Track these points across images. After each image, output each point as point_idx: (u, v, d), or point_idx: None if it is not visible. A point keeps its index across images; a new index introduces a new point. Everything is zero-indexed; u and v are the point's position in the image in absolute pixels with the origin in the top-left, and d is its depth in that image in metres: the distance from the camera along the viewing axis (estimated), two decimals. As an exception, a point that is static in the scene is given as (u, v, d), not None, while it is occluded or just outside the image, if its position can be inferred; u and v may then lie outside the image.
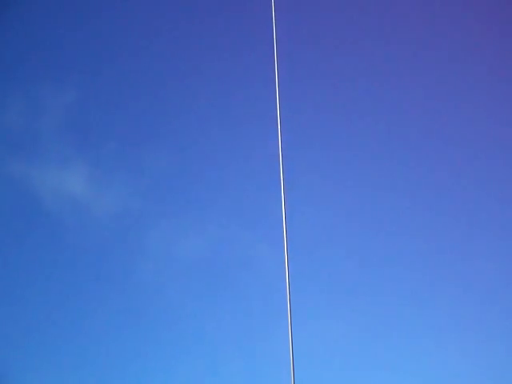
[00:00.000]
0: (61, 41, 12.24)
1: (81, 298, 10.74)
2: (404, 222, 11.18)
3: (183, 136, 11.87)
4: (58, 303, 10.70)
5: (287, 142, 7.50)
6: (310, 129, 11.71)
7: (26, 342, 10.36)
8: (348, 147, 11.69)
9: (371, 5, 11.98)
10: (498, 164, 11.43)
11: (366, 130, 11.74)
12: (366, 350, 10.22)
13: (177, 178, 11.70)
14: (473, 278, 10.65)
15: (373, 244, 11.05)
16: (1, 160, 11.28)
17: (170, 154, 11.78)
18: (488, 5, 11.70)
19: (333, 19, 12.12)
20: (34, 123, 11.53)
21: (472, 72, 11.73)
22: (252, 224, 11.23)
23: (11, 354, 10.21)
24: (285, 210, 7.15)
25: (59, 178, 11.23)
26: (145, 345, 10.46)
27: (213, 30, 12.19)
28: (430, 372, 9.94)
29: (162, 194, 11.52)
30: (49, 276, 10.90)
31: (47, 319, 10.58)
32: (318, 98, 11.88)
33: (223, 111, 11.95)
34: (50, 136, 11.44)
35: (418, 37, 11.92)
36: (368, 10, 11.96)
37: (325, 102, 11.89)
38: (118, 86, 12.17)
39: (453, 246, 10.94)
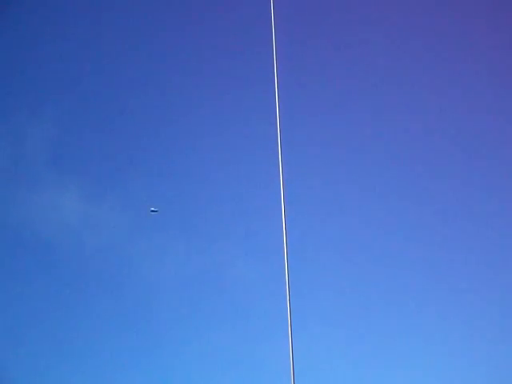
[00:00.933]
0: (43, 68, 12.05)
1: (74, 311, 10.57)
2: (405, 225, 11.07)
3: (178, 143, 11.72)
4: (52, 318, 10.53)
5: (287, 145, 7.36)
6: (309, 131, 11.59)
7: (23, 363, 10.20)
8: (348, 148, 11.57)
9: (371, 5, 11.87)
10: (499, 164, 11.32)
11: (366, 131, 11.63)
12: (367, 355, 10.12)
13: (172, 187, 11.54)
14: (478, 282, 10.53)
15: (374, 248, 10.94)
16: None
17: (165, 165, 11.61)
18: (488, 5, 11.61)
19: (332, 19, 12.01)
20: (23, 154, 11.32)
21: (474, 72, 11.63)
22: (251, 232, 11.10)
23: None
24: (285, 213, 7.01)
25: (51, 203, 11.04)
26: (143, 356, 10.33)
27: (212, 31, 12.07)
28: (430, 376, 9.81)
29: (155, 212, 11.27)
30: (43, 292, 10.71)
31: (42, 338, 10.41)
32: (318, 98, 11.76)
33: (221, 117, 11.83)
34: (40, 163, 11.24)
35: (419, 37, 11.82)
36: (368, 11, 11.86)
37: (324, 103, 11.78)
38: (111, 94, 11.99)
39: (456, 248, 10.85)
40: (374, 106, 11.72)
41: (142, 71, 12.05)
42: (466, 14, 11.80)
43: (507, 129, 11.42)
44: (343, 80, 11.92)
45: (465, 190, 11.29)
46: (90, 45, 12.05)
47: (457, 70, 11.71)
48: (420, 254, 10.91)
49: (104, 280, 10.69)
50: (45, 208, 10.97)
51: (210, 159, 11.62)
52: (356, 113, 11.73)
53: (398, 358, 10.20)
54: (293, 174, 8.83)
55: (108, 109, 11.94)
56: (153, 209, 10.00)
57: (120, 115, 11.93)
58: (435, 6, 11.79)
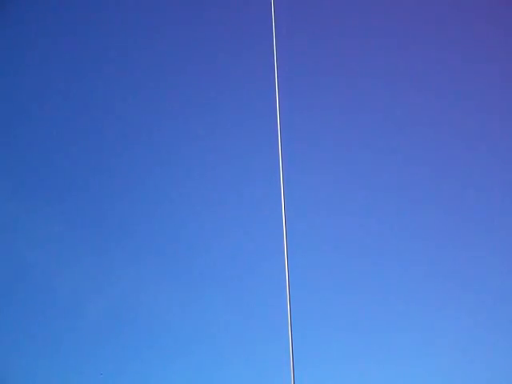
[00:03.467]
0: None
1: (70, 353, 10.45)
2: (409, 224, 11.04)
3: (176, 143, 11.70)
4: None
5: (287, 146, 7.39)
6: (310, 130, 11.57)
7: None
8: (350, 148, 11.56)
9: (374, 4, 11.87)
10: (501, 164, 11.31)
11: (368, 130, 11.62)
12: (368, 354, 10.12)
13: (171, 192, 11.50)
14: (482, 281, 10.52)
15: (376, 247, 10.93)
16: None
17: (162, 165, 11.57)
18: (489, 5, 11.61)
19: (334, 18, 12.01)
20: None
21: (477, 72, 11.62)
22: (251, 231, 11.08)
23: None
24: (285, 212, 7.05)
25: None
26: (141, 353, 10.33)
27: (210, 28, 12.07)
28: (431, 375, 9.85)
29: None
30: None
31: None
32: (319, 98, 11.75)
33: (218, 119, 11.79)
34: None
35: (422, 36, 11.81)
36: (370, 10, 11.85)
37: (326, 102, 11.77)
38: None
39: (460, 247, 10.82)
40: (376, 104, 11.70)
41: (137, 71, 12.05)
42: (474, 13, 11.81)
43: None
44: (345, 78, 11.91)
45: (472, 190, 11.28)
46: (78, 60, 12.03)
47: (468, 71, 11.70)
48: (424, 253, 10.88)
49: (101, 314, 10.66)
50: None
51: (208, 159, 11.61)
52: (358, 111, 11.72)
53: (399, 356, 10.20)
54: (293, 175, 8.84)
55: (98, 111, 11.88)
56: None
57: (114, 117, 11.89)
58: (444, 6, 11.79)
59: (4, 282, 10.40)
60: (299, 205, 10.22)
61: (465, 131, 11.37)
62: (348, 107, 11.60)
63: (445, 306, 10.23)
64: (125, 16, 12.03)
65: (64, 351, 10.13)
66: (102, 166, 11.35)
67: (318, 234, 10.78)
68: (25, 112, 11.54)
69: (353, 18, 11.82)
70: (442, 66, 11.51)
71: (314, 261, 10.54)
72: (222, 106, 11.64)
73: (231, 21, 11.95)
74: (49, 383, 9.86)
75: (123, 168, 11.41)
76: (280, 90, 7.90)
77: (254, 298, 10.40)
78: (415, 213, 10.94)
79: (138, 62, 11.89)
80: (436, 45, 11.61)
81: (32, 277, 10.45)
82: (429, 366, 9.85)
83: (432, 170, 11.21)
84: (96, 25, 12.00)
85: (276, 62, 8.04)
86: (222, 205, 11.05)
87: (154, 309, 10.45)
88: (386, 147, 11.39)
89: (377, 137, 11.48)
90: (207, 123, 11.51)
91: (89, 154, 11.40)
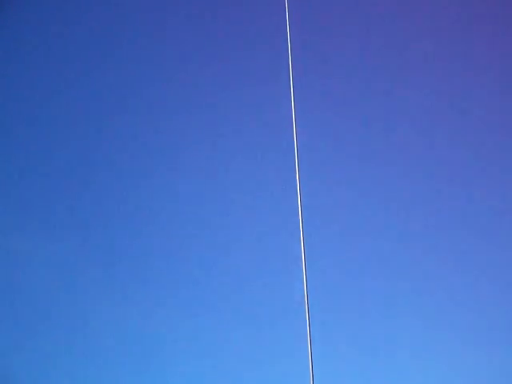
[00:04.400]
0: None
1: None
2: (425, 228, 10.99)
3: (187, 138, 11.67)
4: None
5: (304, 149, 7.36)
6: (326, 132, 11.52)
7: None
8: (361, 145, 11.52)
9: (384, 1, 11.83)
10: (501, 166, 11.27)
11: (380, 127, 11.58)
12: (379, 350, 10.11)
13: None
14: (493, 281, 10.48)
15: (382, 247, 10.90)
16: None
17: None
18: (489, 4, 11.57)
19: (347, 12, 11.98)
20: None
21: (478, 72, 11.58)
22: (266, 236, 11.05)
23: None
24: (302, 217, 7.04)
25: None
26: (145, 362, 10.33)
27: (223, 25, 12.06)
28: (433, 376, 9.85)
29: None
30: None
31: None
32: (335, 97, 11.72)
33: (230, 117, 11.76)
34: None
35: (435, 31, 11.75)
36: (382, 6, 11.82)
37: (342, 100, 11.73)
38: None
39: (477, 252, 10.78)
40: (390, 102, 11.67)
41: (140, 70, 12.05)
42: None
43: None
44: (359, 73, 11.87)
45: (476, 192, 11.25)
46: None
47: (480, 70, 11.66)
48: (436, 258, 10.87)
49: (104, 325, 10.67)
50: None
51: (221, 160, 11.61)
52: (373, 108, 11.68)
53: (410, 353, 10.20)
54: (310, 181, 8.81)
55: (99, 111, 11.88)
56: None
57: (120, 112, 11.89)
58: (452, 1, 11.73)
59: (6, 295, 10.45)
60: (316, 206, 10.17)
61: (487, 135, 11.30)
62: (366, 105, 11.54)
63: (452, 304, 10.20)
64: (131, 13, 11.97)
65: (65, 365, 10.17)
66: (108, 170, 11.34)
67: (336, 233, 10.74)
68: (24, 115, 11.57)
69: (369, 17, 11.78)
70: (463, 64, 11.45)
71: (333, 264, 10.49)
72: (236, 106, 11.60)
73: (243, 19, 11.92)
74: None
75: (121, 173, 11.39)
76: (295, 89, 7.86)
77: (271, 304, 10.34)
78: (434, 216, 10.89)
79: (141, 62, 11.89)
80: (455, 43, 11.55)
81: (35, 292, 10.47)
82: (436, 365, 9.83)
83: (449, 171, 11.15)
84: (97, 24, 12.00)
85: (291, 60, 8.00)
86: (235, 208, 11.00)
87: (160, 316, 10.43)
88: (403, 142, 11.34)
89: (395, 133, 11.42)
90: (212, 122, 11.50)
91: (91, 157, 11.39)
